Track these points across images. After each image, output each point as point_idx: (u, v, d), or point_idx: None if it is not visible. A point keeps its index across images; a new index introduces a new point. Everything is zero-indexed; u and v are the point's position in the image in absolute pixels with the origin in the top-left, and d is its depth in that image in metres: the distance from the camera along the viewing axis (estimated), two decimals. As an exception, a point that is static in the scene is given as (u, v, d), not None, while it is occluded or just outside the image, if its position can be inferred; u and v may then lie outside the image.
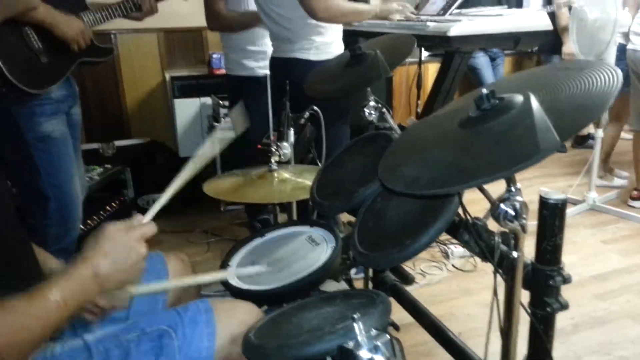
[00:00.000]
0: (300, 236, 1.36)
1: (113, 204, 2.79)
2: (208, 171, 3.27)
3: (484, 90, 0.77)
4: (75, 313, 0.88)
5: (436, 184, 0.68)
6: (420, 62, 3.07)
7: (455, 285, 2.44)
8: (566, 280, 0.93)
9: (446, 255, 2.64)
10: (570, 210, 3.01)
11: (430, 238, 0.92)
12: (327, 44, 2.22)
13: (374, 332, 0.82)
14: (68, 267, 0.90)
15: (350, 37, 2.83)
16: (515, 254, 0.87)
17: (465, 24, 2.09)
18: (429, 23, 2.18)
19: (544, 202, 0.92)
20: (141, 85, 3.60)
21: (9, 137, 1.85)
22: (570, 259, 2.54)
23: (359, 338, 0.80)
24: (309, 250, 1.29)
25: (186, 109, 3.40)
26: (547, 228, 0.92)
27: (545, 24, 2.23)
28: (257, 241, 1.40)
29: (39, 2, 0.85)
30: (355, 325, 0.81)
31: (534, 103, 0.73)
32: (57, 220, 1.96)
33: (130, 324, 1.07)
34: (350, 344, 0.80)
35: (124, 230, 0.93)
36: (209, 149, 1.24)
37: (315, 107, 1.92)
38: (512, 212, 0.83)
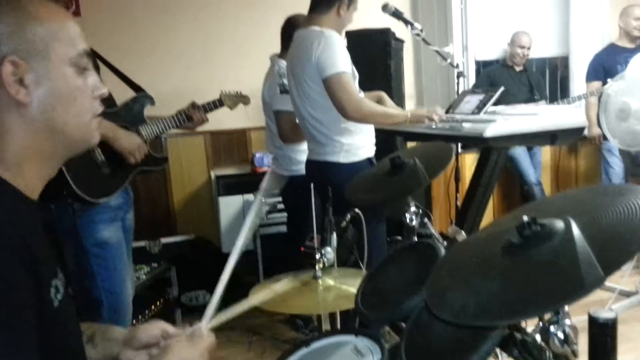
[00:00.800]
0: (345, 346, 1.36)
1: (158, 302, 2.84)
2: (249, 269, 3.33)
3: (525, 217, 0.80)
4: None
5: (483, 317, 0.70)
6: (457, 155, 3.12)
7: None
8: (625, 403, 0.90)
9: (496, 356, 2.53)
10: (622, 304, 2.88)
11: (480, 358, 0.92)
12: (356, 147, 2.34)
13: None
14: None
15: (389, 136, 2.95)
16: (568, 378, 0.85)
17: (501, 124, 2.15)
18: (464, 124, 2.25)
19: (593, 321, 0.91)
20: (188, 184, 3.78)
21: (70, 245, 1.97)
22: (626, 359, 2.40)
23: None
24: (354, 362, 1.28)
25: (230, 206, 3.51)
26: (599, 348, 0.90)
27: (581, 121, 2.27)
28: (303, 351, 1.40)
29: (97, 139, 0.97)
30: None
31: (576, 232, 0.75)
32: (109, 322, 2.01)
33: None
34: None
35: (189, 346, 1.02)
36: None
37: (357, 210, 1.98)
38: (561, 337, 0.83)
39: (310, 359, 1.36)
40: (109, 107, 2.02)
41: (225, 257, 3.70)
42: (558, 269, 0.70)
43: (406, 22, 2.58)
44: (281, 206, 3.26)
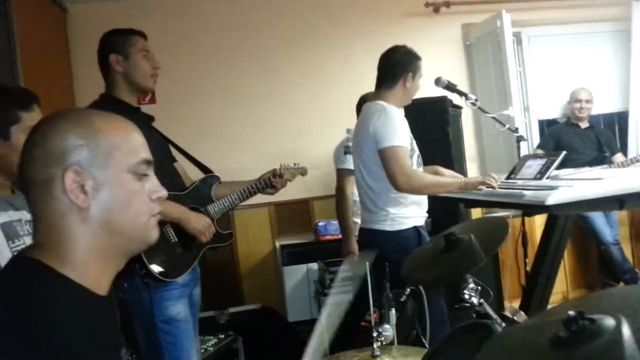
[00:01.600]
0: None
1: (226, 375, 2.88)
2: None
3: (572, 312, 0.79)
4: None
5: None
6: (523, 220, 3.05)
7: None
8: None
9: None
10: None
11: None
12: (404, 216, 2.40)
13: None
14: None
15: (451, 202, 2.94)
16: None
17: (564, 192, 2.09)
18: (524, 192, 2.20)
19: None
20: (254, 254, 3.89)
21: (141, 322, 2.06)
22: None
23: None
24: None
25: (294, 275, 3.57)
26: None
27: (652, 184, 2.17)
28: None
29: (156, 237, 1.03)
30: None
31: (626, 333, 0.73)
32: (177, 399, 2.06)
33: None
34: None
35: None
36: None
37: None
38: None
39: None
40: (180, 190, 2.16)
41: (290, 327, 3.74)
42: (606, 370, 0.68)
43: (460, 93, 2.63)
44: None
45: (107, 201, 0.92)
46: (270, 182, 2.33)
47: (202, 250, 2.15)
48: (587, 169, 3.00)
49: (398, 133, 2.33)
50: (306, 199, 3.89)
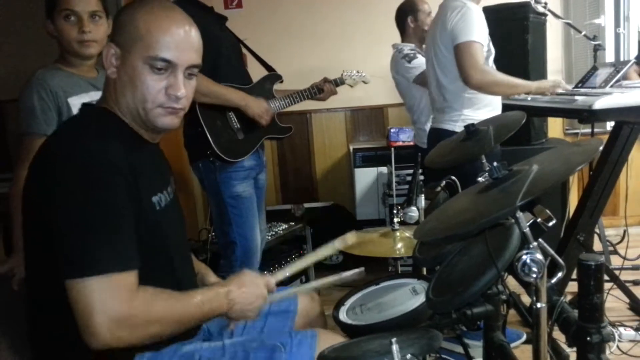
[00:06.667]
0: (405, 287, 1.57)
1: (293, 255, 3.27)
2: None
3: (495, 163, 0.95)
4: (207, 318, 1.23)
5: (436, 234, 0.88)
6: (592, 134, 3.00)
7: (614, 368, 2.27)
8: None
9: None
10: None
11: (475, 291, 1.07)
12: (476, 119, 2.38)
13: (409, 356, 1.02)
14: (214, 284, 1.31)
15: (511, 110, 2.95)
16: (539, 304, 0.98)
17: (614, 97, 2.08)
18: (577, 97, 2.21)
19: (581, 265, 1.02)
20: (329, 155, 4.17)
21: (212, 197, 2.44)
22: None
23: (395, 358, 1.01)
24: (408, 298, 1.50)
25: (365, 177, 3.80)
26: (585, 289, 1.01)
27: None
28: (372, 288, 1.65)
29: (164, 125, 1.24)
30: (393, 347, 1.02)
31: (534, 169, 0.89)
32: (241, 261, 2.44)
33: (255, 337, 1.40)
34: (385, 362, 1.01)
35: (256, 277, 1.32)
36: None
37: (452, 177, 2.11)
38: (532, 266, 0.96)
39: (374, 294, 1.61)
40: (246, 84, 2.43)
41: (358, 224, 4.04)
42: (511, 191, 0.84)
43: (527, -6, 2.57)
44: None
45: (123, 79, 1.15)
46: (320, 87, 2.53)
47: (262, 138, 2.44)
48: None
49: (476, 29, 2.28)
50: (381, 105, 4.04)
